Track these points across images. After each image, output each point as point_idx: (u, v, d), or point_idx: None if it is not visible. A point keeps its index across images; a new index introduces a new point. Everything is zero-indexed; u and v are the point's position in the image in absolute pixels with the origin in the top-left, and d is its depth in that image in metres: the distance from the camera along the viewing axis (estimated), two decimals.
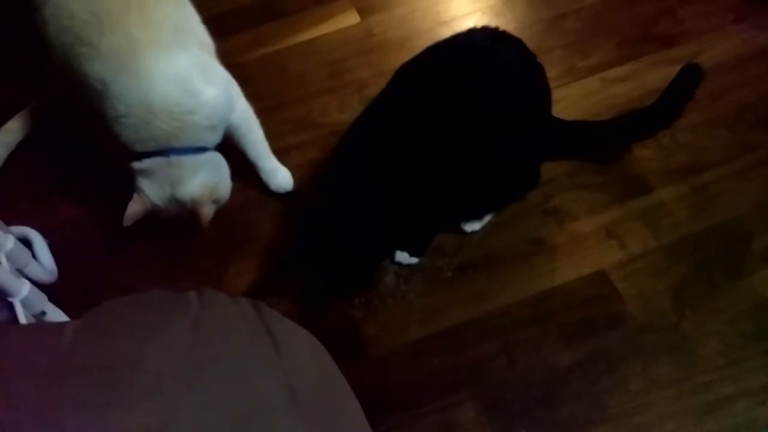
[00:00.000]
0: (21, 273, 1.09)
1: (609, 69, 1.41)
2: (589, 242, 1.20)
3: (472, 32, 1.09)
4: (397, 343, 1.12)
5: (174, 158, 1.08)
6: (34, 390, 0.56)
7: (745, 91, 1.35)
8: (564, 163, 1.28)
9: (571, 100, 1.36)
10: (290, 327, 0.71)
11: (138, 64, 1.04)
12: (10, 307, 1.00)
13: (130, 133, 1.07)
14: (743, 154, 1.27)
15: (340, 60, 1.48)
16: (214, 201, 1.13)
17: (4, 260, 1.05)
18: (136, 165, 1.09)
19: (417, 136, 1.01)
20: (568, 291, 1.15)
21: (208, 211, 1.10)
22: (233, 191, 1.22)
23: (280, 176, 1.29)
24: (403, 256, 1.18)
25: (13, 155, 1.35)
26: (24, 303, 1.01)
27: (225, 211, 1.21)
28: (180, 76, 1.06)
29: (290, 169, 1.32)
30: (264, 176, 1.28)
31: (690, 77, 1.16)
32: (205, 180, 1.11)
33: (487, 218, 1.22)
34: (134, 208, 1.08)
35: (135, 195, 1.09)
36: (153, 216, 1.12)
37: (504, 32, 1.09)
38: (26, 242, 1.17)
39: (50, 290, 1.11)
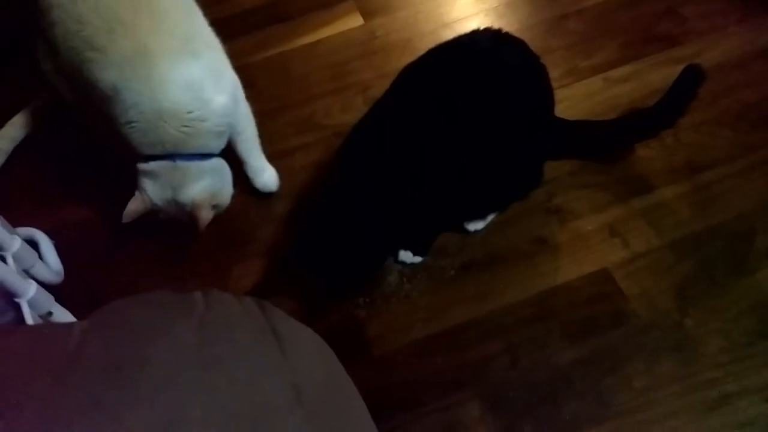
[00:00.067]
0: (27, 274, 1.10)
1: (611, 69, 1.41)
2: (592, 241, 1.20)
3: (474, 34, 1.09)
4: (401, 342, 1.12)
5: (180, 163, 1.09)
6: (41, 391, 0.56)
7: (748, 90, 1.35)
8: (567, 162, 1.28)
9: (574, 100, 1.37)
10: (295, 326, 0.72)
11: (150, 71, 1.04)
12: (17, 307, 1.01)
13: (138, 137, 1.08)
14: (746, 153, 1.27)
15: (344, 62, 1.49)
16: (214, 206, 1.14)
17: (10, 261, 1.06)
18: (141, 166, 1.10)
19: (420, 137, 1.01)
20: (571, 290, 1.15)
21: (206, 216, 1.11)
22: (237, 193, 1.23)
23: (266, 175, 1.30)
24: (406, 256, 1.19)
25: (19, 157, 1.37)
26: (31, 304, 1.02)
27: (229, 213, 1.22)
28: (192, 84, 1.07)
29: (294, 170, 1.33)
30: (251, 174, 1.29)
31: (691, 78, 1.16)
32: (208, 186, 1.12)
33: (490, 217, 1.22)
34: (134, 206, 1.10)
35: (136, 193, 1.11)
36: (152, 215, 1.13)
37: (507, 34, 1.09)
38: (33, 243, 1.18)
39: (56, 291, 1.12)
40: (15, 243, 1.08)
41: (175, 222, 1.15)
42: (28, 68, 1.22)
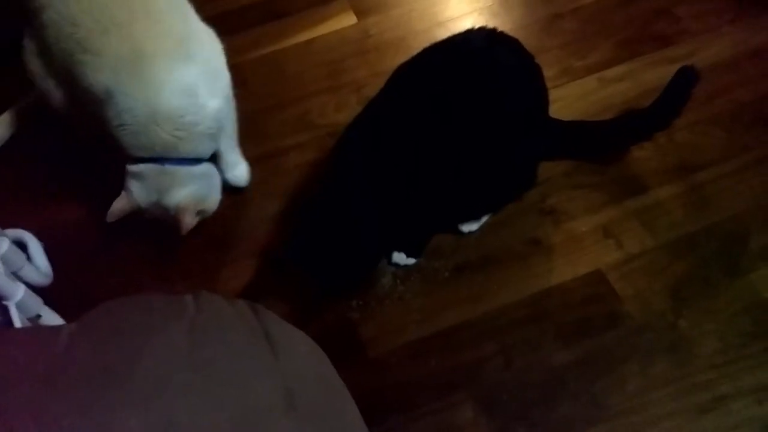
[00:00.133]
0: (16, 276, 1.09)
1: (606, 69, 1.41)
2: (586, 242, 1.20)
3: (469, 33, 1.09)
4: (395, 344, 1.12)
5: (169, 167, 1.09)
6: (31, 394, 0.56)
7: (742, 90, 1.35)
8: (561, 162, 1.28)
9: (568, 100, 1.36)
10: (288, 329, 0.71)
11: (146, 75, 1.04)
12: (5, 310, 1.00)
13: (130, 140, 1.07)
14: (740, 153, 1.27)
15: (338, 60, 1.48)
16: (199, 212, 1.13)
17: None
18: (130, 167, 1.09)
19: (414, 137, 1.01)
20: (566, 291, 1.15)
21: (189, 221, 1.10)
22: (229, 193, 1.22)
23: (239, 169, 1.29)
24: (400, 257, 1.18)
25: (6, 157, 1.35)
26: (19, 306, 1.01)
27: (220, 213, 1.21)
28: (187, 89, 1.06)
29: (288, 169, 1.32)
30: (223, 166, 1.27)
31: (686, 79, 1.16)
32: (194, 192, 1.11)
33: (484, 219, 1.22)
34: (119, 206, 1.10)
35: (123, 192, 1.10)
36: (138, 215, 1.12)
37: (501, 33, 1.09)
38: (21, 245, 1.17)
39: (45, 293, 1.11)
40: (3, 245, 1.07)
41: (161, 223, 1.14)
42: (14, 68, 1.20)
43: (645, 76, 1.38)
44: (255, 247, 1.24)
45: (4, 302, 1.00)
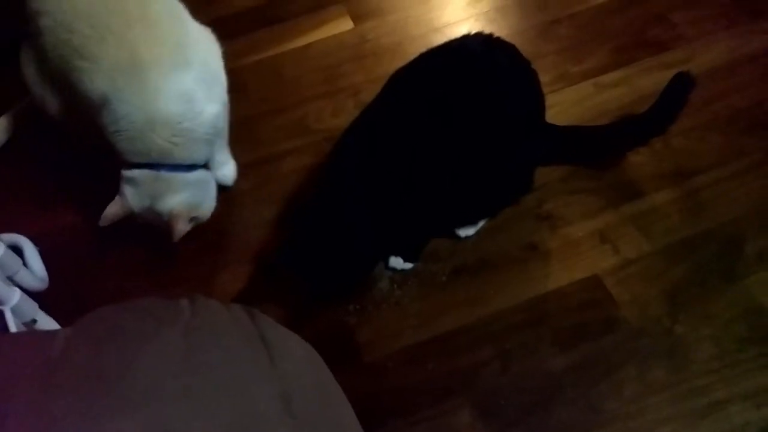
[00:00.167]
0: (11, 281, 1.09)
1: (602, 74, 1.41)
2: (583, 247, 1.20)
3: (465, 38, 1.09)
4: (392, 348, 1.12)
5: (163, 173, 1.09)
6: (26, 399, 0.55)
7: (738, 96, 1.35)
8: (557, 168, 1.28)
9: (564, 105, 1.37)
10: (284, 333, 0.71)
11: (143, 81, 1.03)
12: (0, 315, 0.99)
13: (126, 145, 1.07)
14: (736, 158, 1.27)
15: (335, 65, 1.49)
16: (192, 219, 1.13)
17: None
18: (125, 172, 1.09)
19: (411, 142, 1.01)
20: (562, 296, 1.15)
21: (182, 227, 1.10)
22: (225, 197, 1.22)
23: (226, 169, 1.29)
24: (397, 262, 1.18)
25: (2, 162, 1.35)
26: (14, 311, 1.01)
27: (216, 218, 1.21)
28: (185, 95, 1.06)
29: (284, 174, 1.32)
30: (212, 165, 1.27)
31: (682, 85, 1.17)
32: (187, 199, 1.11)
33: (481, 223, 1.22)
34: (113, 210, 1.10)
35: (117, 197, 1.10)
36: (132, 220, 1.13)
37: (498, 38, 1.09)
38: (17, 249, 1.17)
39: (41, 298, 1.10)
40: None
41: (156, 229, 1.14)
42: (12, 72, 1.21)
43: (641, 82, 1.38)
44: (251, 251, 1.24)
45: (0, 307, 0.99)
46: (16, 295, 1.02)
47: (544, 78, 1.12)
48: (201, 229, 1.19)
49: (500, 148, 1.05)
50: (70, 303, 1.14)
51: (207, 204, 1.17)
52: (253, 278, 1.21)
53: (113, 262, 1.24)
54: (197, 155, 1.13)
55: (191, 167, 1.13)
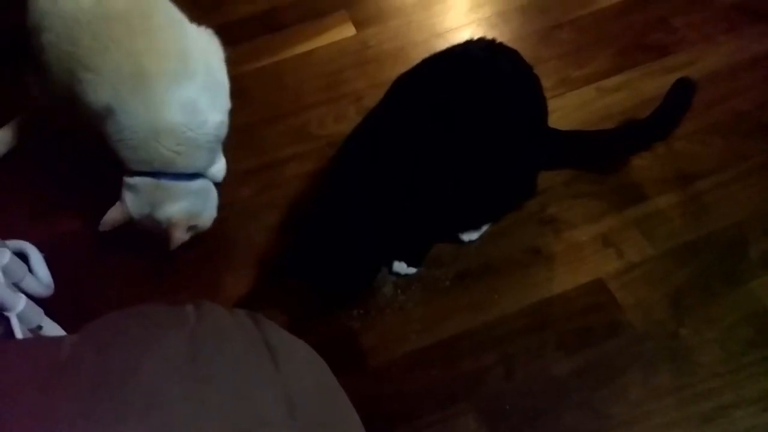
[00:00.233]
0: (17, 287, 1.09)
1: (604, 78, 1.42)
2: (586, 251, 1.20)
3: (468, 44, 1.10)
4: (396, 353, 1.12)
5: (164, 182, 1.09)
6: (33, 405, 0.56)
7: (739, 99, 1.35)
8: (560, 172, 1.28)
9: (567, 110, 1.37)
10: (288, 338, 0.71)
11: (146, 92, 1.04)
12: (6, 321, 0.99)
13: (129, 154, 1.08)
14: (738, 161, 1.27)
15: (337, 72, 1.49)
16: (191, 227, 1.14)
17: (0, 274, 1.04)
18: (127, 179, 1.10)
19: (414, 147, 1.01)
20: (566, 300, 1.15)
21: (180, 236, 1.11)
22: (228, 203, 1.22)
23: (216, 167, 1.28)
24: (400, 267, 1.18)
25: (7, 169, 1.36)
26: (20, 317, 1.01)
27: (220, 223, 1.21)
28: (188, 105, 1.07)
29: (287, 180, 1.32)
30: None
31: (683, 90, 1.17)
32: (187, 208, 1.12)
33: (485, 228, 1.22)
34: (113, 216, 1.11)
35: (117, 203, 1.11)
36: (131, 227, 1.14)
37: (500, 44, 1.10)
38: (22, 256, 1.17)
39: (46, 304, 1.10)
40: (4, 256, 1.07)
41: (151, 235, 1.15)
42: (16, 81, 1.21)
43: (643, 86, 1.38)
44: (254, 256, 1.24)
45: (6, 313, 0.99)
46: (22, 301, 1.02)
47: (546, 83, 1.12)
48: (204, 236, 1.20)
49: (503, 153, 1.05)
50: (75, 309, 1.14)
51: (207, 213, 1.18)
52: (256, 284, 1.21)
53: (116, 268, 1.24)
54: (199, 163, 1.14)
55: (193, 176, 1.13)
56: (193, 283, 1.22)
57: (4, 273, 1.06)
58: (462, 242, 1.21)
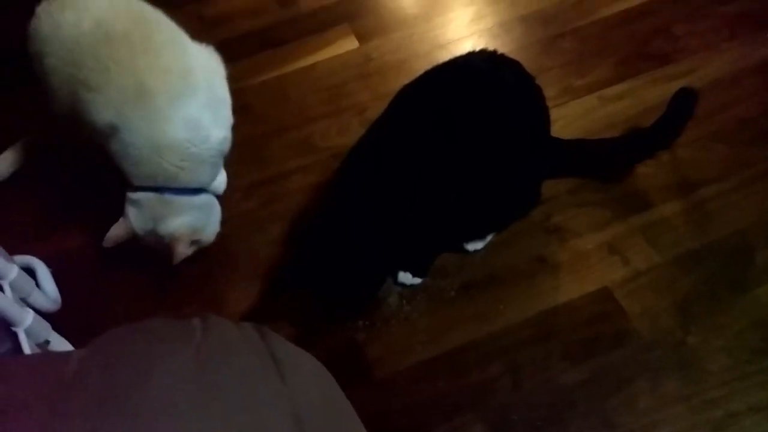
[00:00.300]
0: (25, 302, 1.09)
1: (606, 87, 1.42)
2: (592, 259, 1.20)
3: (470, 55, 1.10)
4: (402, 365, 1.11)
5: (167, 196, 1.10)
6: (39, 421, 0.56)
7: (743, 106, 1.35)
8: (565, 180, 1.28)
9: (569, 119, 1.37)
10: (294, 351, 0.71)
11: (149, 110, 1.05)
12: (14, 337, 1.00)
13: (132, 169, 1.09)
14: (742, 168, 1.27)
15: (340, 84, 1.50)
16: (194, 242, 1.14)
17: (7, 290, 1.05)
18: (130, 195, 1.11)
19: (417, 159, 1.02)
20: (572, 309, 1.14)
21: (182, 251, 1.11)
22: (232, 216, 1.22)
23: (218, 178, 1.29)
24: (405, 277, 1.18)
25: (15, 186, 1.37)
26: (28, 332, 1.01)
27: (225, 237, 1.22)
28: (191, 121, 1.08)
29: (291, 193, 1.33)
30: None
31: (684, 100, 1.17)
32: (190, 222, 1.12)
33: (489, 237, 1.22)
34: (116, 232, 1.12)
35: (121, 219, 1.12)
36: (134, 242, 1.14)
37: (502, 55, 1.10)
38: (30, 271, 1.17)
39: (53, 319, 1.11)
40: (12, 271, 1.08)
41: (155, 251, 1.15)
42: (23, 103, 1.23)
43: (645, 94, 1.39)
44: (259, 269, 1.24)
45: (14, 328, 1.00)
46: (30, 316, 1.02)
47: (548, 92, 1.13)
48: (209, 249, 1.20)
49: (506, 163, 1.06)
50: (82, 324, 1.14)
51: (210, 228, 1.18)
52: (261, 296, 1.21)
53: (122, 283, 1.24)
54: (203, 178, 1.15)
55: (196, 191, 1.14)
56: (198, 297, 1.22)
57: (12, 288, 1.06)
58: (467, 252, 1.21)
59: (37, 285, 1.16)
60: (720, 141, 1.31)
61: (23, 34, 1.16)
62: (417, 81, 1.09)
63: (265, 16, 1.64)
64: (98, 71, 1.06)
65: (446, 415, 1.06)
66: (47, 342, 1.06)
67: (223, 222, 1.22)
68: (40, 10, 1.14)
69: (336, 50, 1.56)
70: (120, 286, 1.24)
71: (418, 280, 1.19)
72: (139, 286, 1.24)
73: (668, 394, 1.04)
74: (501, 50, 1.10)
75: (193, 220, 1.13)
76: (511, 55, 1.11)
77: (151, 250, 1.15)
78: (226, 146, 1.17)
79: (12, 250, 1.16)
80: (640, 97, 1.39)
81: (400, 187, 1.01)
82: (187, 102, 1.07)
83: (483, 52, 1.10)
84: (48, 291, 1.18)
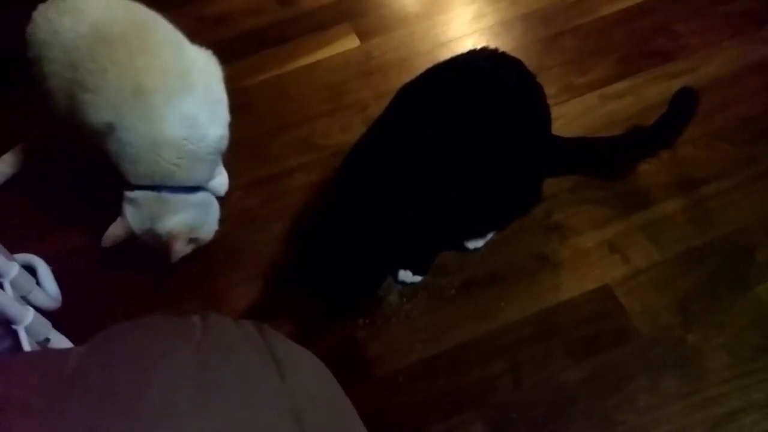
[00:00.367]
0: (25, 300, 1.09)
1: (607, 85, 1.42)
2: (593, 257, 1.19)
3: (471, 53, 1.10)
4: (402, 363, 1.11)
5: (165, 195, 1.10)
6: (39, 418, 0.56)
7: (744, 104, 1.35)
8: (565, 178, 1.28)
9: (570, 117, 1.37)
10: (294, 349, 0.71)
11: (147, 110, 1.06)
12: (15, 334, 1.00)
13: (130, 167, 1.09)
14: (744, 166, 1.27)
15: (341, 82, 1.50)
16: (192, 240, 1.14)
17: (8, 288, 1.05)
18: (127, 193, 1.11)
19: (418, 157, 1.02)
20: (573, 307, 1.14)
21: (180, 249, 1.11)
22: (233, 214, 1.22)
23: (218, 180, 1.30)
24: (406, 275, 1.18)
25: (16, 185, 1.37)
26: (28, 330, 1.01)
27: (226, 235, 1.22)
28: (188, 119, 1.08)
29: (293, 190, 1.33)
30: None
31: (685, 100, 1.17)
32: (187, 220, 1.12)
33: (490, 235, 1.22)
34: (115, 231, 1.12)
35: (119, 218, 1.12)
36: (133, 242, 1.14)
37: (503, 53, 1.10)
38: (30, 269, 1.18)
39: (54, 317, 1.11)
40: (13, 269, 1.08)
41: (153, 250, 1.15)
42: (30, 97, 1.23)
43: (646, 92, 1.39)
44: (260, 267, 1.24)
45: (14, 326, 1.00)
46: (30, 314, 1.02)
47: (549, 90, 1.13)
48: (209, 247, 1.20)
49: (507, 161, 1.06)
50: (82, 322, 1.14)
51: (208, 226, 1.19)
52: (262, 294, 1.21)
53: (122, 281, 1.25)
54: (200, 176, 1.15)
55: (193, 189, 1.14)
56: (198, 295, 1.23)
57: (13, 286, 1.06)
58: (467, 250, 1.21)
59: (38, 283, 1.16)
60: (721, 139, 1.31)
61: (23, 35, 1.16)
62: (418, 79, 1.09)
63: (265, 15, 1.64)
64: (96, 72, 1.06)
65: (446, 413, 1.06)
66: (47, 340, 1.06)
67: (223, 220, 1.22)
68: (37, 15, 1.15)
69: (337, 48, 1.56)
70: (119, 284, 1.25)
71: (418, 278, 1.19)
72: (138, 285, 1.24)
73: (668, 392, 1.04)
74: (502, 48, 1.10)
75: (191, 218, 1.13)
76: (512, 54, 1.11)
77: (149, 249, 1.15)
78: (224, 144, 1.17)
79: (12, 251, 1.16)
80: (640, 95, 1.39)
81: (401, 185, 1.01)
82: (184, 100, 1.08)
83: (484, 50, 1.10)
84: (48, 289, 1.18)
